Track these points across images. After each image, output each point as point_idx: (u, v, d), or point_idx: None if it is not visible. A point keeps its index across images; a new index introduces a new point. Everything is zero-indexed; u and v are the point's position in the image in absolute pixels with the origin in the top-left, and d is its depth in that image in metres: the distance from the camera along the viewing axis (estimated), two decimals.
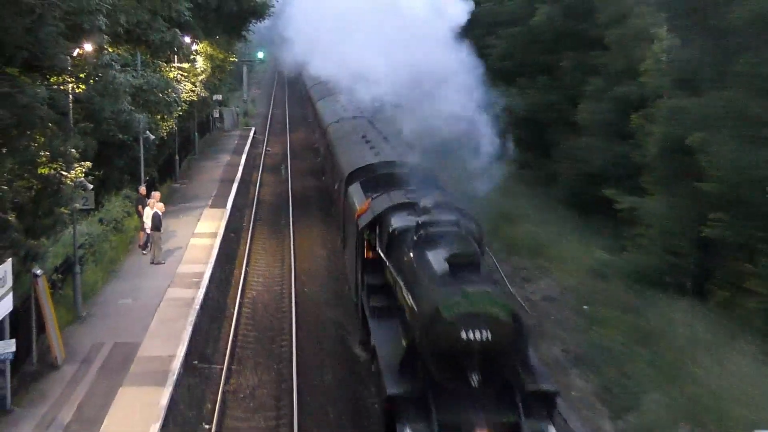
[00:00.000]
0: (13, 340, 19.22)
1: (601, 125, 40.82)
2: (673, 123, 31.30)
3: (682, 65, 32.20)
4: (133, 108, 33.58)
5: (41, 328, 22.22)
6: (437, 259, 18.25)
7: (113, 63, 30.11)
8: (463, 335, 15.93)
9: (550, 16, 48.30)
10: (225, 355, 23.94)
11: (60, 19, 19.61)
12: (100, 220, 32.21)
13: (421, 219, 20.17)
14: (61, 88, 23.40)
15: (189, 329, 24.73)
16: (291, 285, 30.17)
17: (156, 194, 33.43)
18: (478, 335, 15.91)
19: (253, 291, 30.18)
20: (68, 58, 21.87)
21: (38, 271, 21.74)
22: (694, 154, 28.78)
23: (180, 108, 42.79)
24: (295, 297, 28.81)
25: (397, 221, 21.49)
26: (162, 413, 19.44)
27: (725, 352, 23.00)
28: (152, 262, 31.13)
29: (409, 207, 21.93)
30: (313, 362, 23.82)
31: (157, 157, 43.55)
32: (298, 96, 78.11)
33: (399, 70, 22.38)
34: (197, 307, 26.66)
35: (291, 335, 25.43)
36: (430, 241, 19.19)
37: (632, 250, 33.28)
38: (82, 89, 25.75)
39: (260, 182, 50.22)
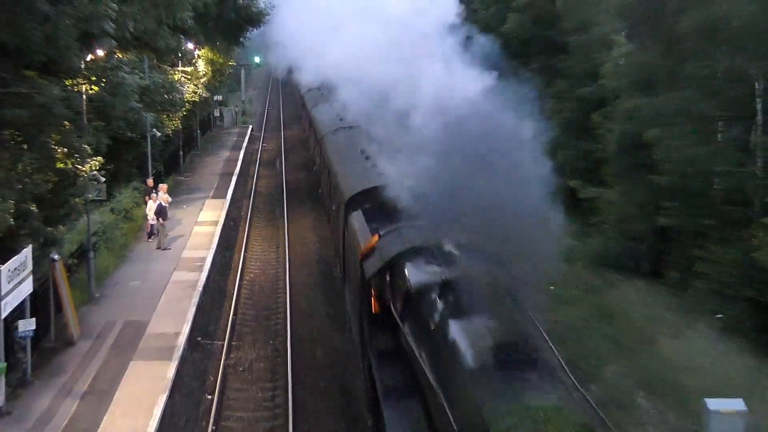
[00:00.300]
0: (33, 319, 19.28)
1: (565, 123, 40.91)
2: (630, 121, 31.49)
3: (639, 68, 32.39)
4: (141, 106, 33.51)
5: (59, 308, 22.16)
6: (476, 342, 12.64)
7: (122, 66, 30.05)
8: None
9: (520, 23, 48.30)
10: (226, 332, 23.95)
11: (72, 25, 19.54)
12: (112, 210, 32.30)
13: (447, 275, 14.42)
14: (75, 89, 23.36)
15: (193, 309, 24.72)
16: (285, 268, 30.18)
17: (163, 186, 33.49)
18: None
19: (251, 274, 30.17)
20: (82, 61, 21.83)
21: (56, 256, 21.73)
22: (650, 149, 28.99)
23: (184, 107, 42.72)
24: (289, 279, 28.82)
25: (414, 275, 15.55)
26: (169, 385, 19.46)
27: (679, 328, 23.18)
28: (158, 248, 31.10)
29: (427, 252, 15.93)
30: (306, 338, 23.85)
31: (163, 152, 43.44)
32: (291, 97, 77.82)
33: (394, 72, 19.05)
34: (200, 288, 26.65)
35: (285, 314, 25.46)
36: (462, 309, 13.51)
37: (595, 236, 33.46)
38: (95, 90, 25.69)
39: (257, 175, 50.11)
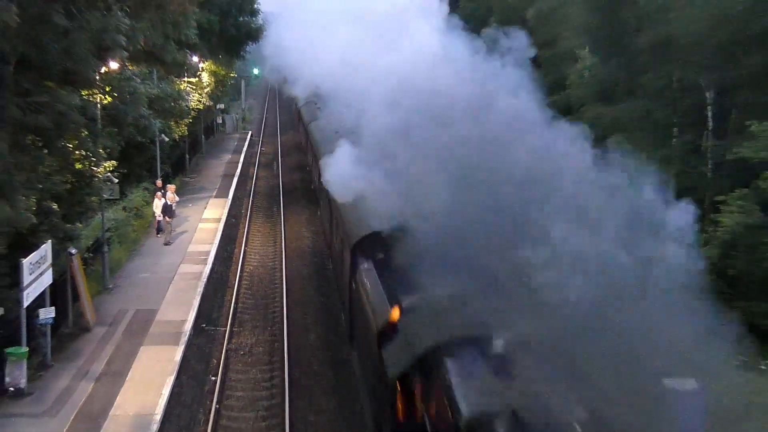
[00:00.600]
0: (53, 308, 19.29)
1: None
2: (593, 127, 31.62)
3: (601, 80, 32.55)
4: (150, 114, 33.45)
5: (76, 297, 22.12)
6: None
7: (134, 77, 30.00)
8: None
9: (493, 39, 48.24)
10: (228, 319, 23.91)
11: (88, 39, 19.51)
12: (124, 208, 32.29)
13: (516, 396, 8.71)
14: (91, 99, 23.31)
15: (198, 298, 24.71)
16: (282, 261, 30.15)
17: (171, 187, 33.49)
18: None
19: (250, 266, 30.12)
20: (97, 74, 21.79)
21: (73, 251, 21.73)
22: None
23: (189, 115, 42.65)
24: (285, 271, 28.80)
25: (464, 395, 9.42)
26: (176, 367, 19.50)
27: None
28: (165, 243, 31.05)
29: (476, 349, 9.97)
30: (301, 324, 23.83)
31: (170, 156, 43.30)
32: (286, 105, 77.60)
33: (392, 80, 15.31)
34: (205, 279, 26.63)
35: (282, 302, 25.45)
36: None
37: None
38: (109, 100, 25.65)
39: (256, 176, 49.98)
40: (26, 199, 18.02)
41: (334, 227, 22.67)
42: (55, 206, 20.29)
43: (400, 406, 11.85)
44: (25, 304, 17.71)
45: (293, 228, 35.71)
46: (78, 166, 21.69)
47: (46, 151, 20.16)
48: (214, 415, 17.82)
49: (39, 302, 18.77)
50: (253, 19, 51.55)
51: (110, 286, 25.53)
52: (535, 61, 41.86)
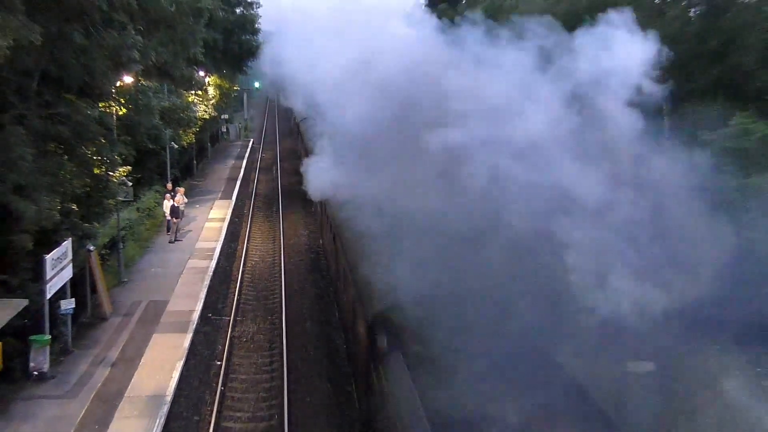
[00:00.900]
0: (73, 299, 19.34)
1: None
2: None
3: None
4: (161, 123, 33.43)
5: (93, 289, 22.13)
6: None
7: (147, 91, 29.99)
8: None
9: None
10: (232, 310, 23.93)
11: (104, 55, 19.52)
12: (137, 209, 32.30)
13: None
14: (108, 110, 23.30)
15: (205, 290, 24.71)
16: (281, 256, 30.17)
17: (180, 189, 33.59)
18: None
19: (252, 261, 30.13)
20: (113, 87, 21.80)
21: (91, 248, 21.73)
22: None
23: (196, 124, 42.63)
24: (284, 265, 28.82)
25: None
26: (185, 353, 19.53)
27: None
28: (170, 242, 31.04)
29: None
30: (298, 313, 23.87)
31: (180, 161, 43.26)
32: (285, 116, 77.45)
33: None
34: (211, 273, 26.61)
35: (281, 294, 25.48)
36: None
37: None
38: (124, 111, 25.64)
39: (257, 179, 49.94)
40: (50, 200, 18.03)
41: (341, 282, 20.53)
42: (75, 207, 20.28)
43: None
44: (48, 295, 17.75)
45: (291, 226, 35.69)
46: (96, 171, 21.66)
47: (66, 157, 20.16)
48: (220, 396, 17.86)
49: (60, 294, 18.81)
50: (254, 37, 51.64)
51: (125, 280, 25.49)
52: None
